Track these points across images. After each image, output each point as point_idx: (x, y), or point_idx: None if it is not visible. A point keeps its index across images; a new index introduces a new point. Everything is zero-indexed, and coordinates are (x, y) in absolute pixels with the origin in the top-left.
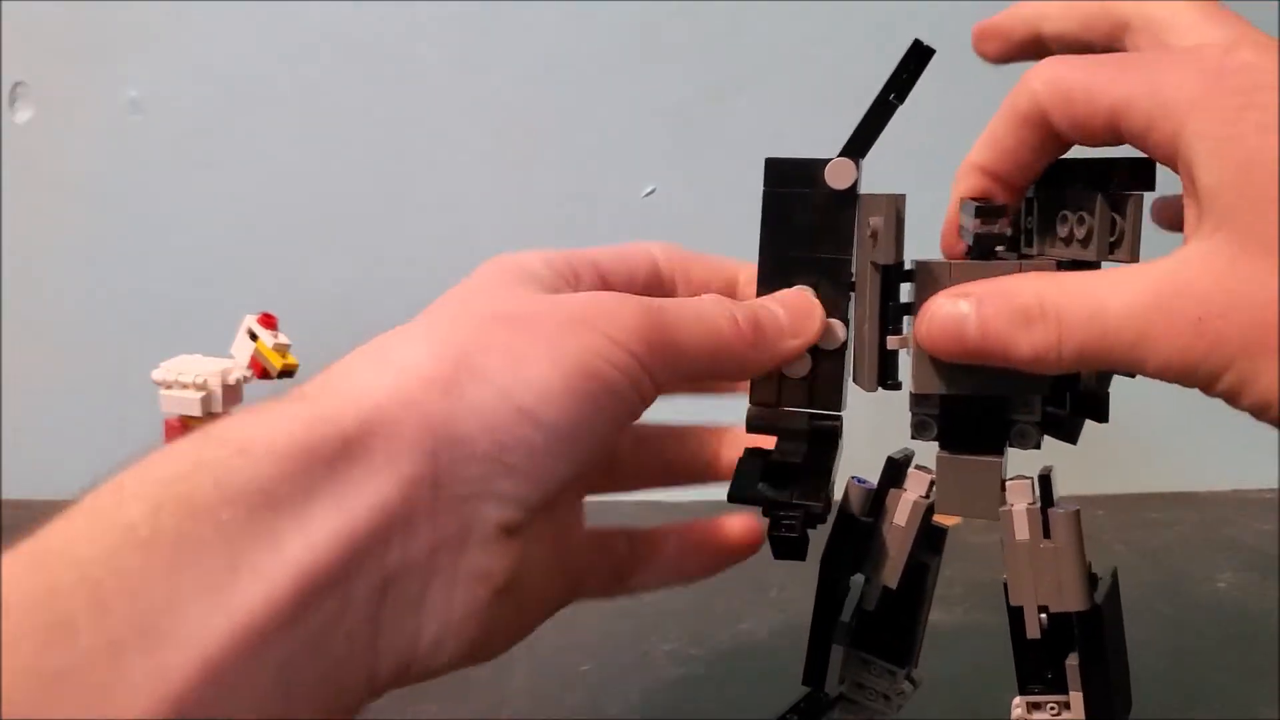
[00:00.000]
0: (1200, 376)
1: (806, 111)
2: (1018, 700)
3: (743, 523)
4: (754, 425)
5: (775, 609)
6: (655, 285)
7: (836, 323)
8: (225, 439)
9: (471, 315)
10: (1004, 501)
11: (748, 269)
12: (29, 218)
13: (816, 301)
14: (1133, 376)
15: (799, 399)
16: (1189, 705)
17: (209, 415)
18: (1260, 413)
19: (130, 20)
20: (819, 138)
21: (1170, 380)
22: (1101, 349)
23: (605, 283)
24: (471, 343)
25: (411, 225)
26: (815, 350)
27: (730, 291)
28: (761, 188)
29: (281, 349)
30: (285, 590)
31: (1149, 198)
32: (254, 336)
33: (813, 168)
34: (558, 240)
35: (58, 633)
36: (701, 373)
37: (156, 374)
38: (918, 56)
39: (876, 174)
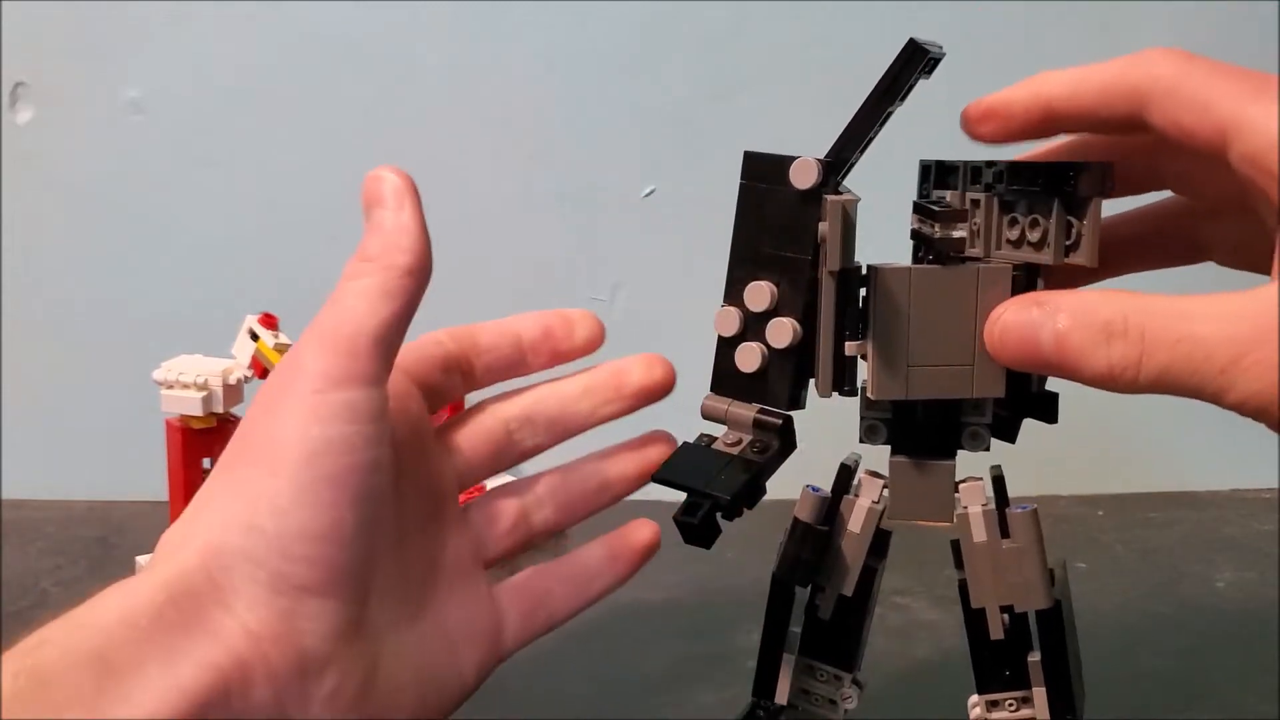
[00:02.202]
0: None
1: (807, 111)
2: (975, 699)
3: (646, 528)
4: (706, 414)
5: None
6: (452, 366)
7: (786, 320)
8: (68, 619)
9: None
10: (958, 504)
11: (528, 322)
12: (29, 218)
13: (390, 174)
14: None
15: (749, 394)
16: (1189, 705)
17: (210, 415)
18: None
19: (130, 20)
20: (819, 138)
21: (1244, 414)
22: (1185, 373)
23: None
24: (220, 493)
25: None
26: (768, 347)
27: (519, 348)
28: None
29: (282, 349)
30: None
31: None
32: (255, 336)
33: (784, 165)
34: (556, 241)
35: None
36: (399, 329)
37: (157, 374)
38: (912, 57)
39: (879, 176)
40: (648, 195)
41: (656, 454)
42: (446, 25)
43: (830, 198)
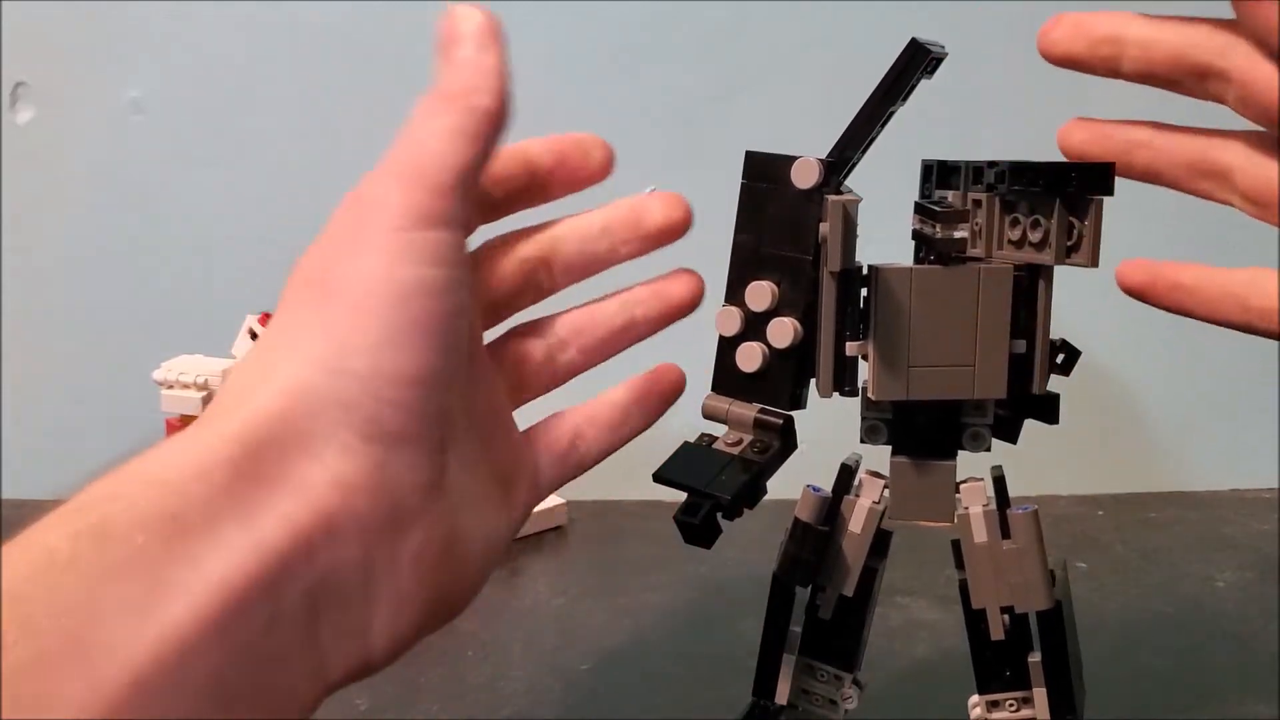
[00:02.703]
0: None
1: (807, 111)
2: (976, 699)
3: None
4: (706, 413)
5: None
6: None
7: (787, 320)
8: (134, 472)
9: (288, 297)
10: (959, 505)
11: (538, 147)
12: (29, 218)
13: (476, 13)
14: None
15: (750, 394)
16: (1189, 705)
17: None
18: None
19: (131, 20)
20: (819, 138)
21: None
22: None
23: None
24: (296, 338)
25: None
26: (769, 347)
27: (528, 164)
28: None
29: None
30: (208, 605)
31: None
32: (255, 336)
33: (785, 164)
34: None
35: None
36: (477, 169)
37: (157, 374)
38: (914, 57)
39: (881, 175)
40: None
41: (680, 289)
42: None
43: (831, 198)
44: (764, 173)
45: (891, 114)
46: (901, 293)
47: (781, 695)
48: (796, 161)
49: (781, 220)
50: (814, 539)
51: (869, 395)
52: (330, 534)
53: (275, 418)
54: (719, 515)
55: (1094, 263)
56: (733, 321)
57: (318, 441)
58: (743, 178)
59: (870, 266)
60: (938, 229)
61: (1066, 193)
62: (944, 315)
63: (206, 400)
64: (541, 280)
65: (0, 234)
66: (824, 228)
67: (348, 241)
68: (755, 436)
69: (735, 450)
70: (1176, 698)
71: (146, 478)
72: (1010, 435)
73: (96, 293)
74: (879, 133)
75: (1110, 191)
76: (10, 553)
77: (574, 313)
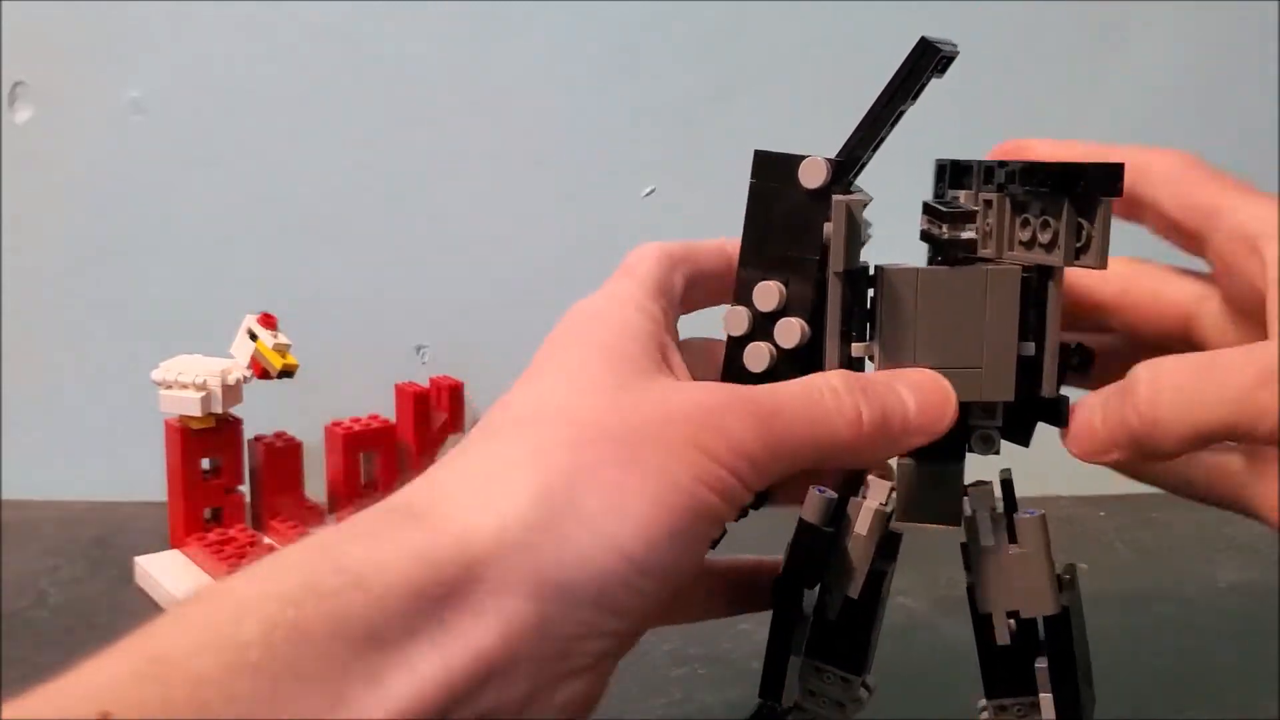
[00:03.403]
0: None
1: (807, 111)
2: (984, 704)
3: None
4: None
5: None
6: (686, 295)
7: (794, 321)
8: (340, 565)
9: (577, 441)
10: (966, 508)
11: None
12: (29, 218)
13: (950, 392)
14: None
15: None
16: (1189, 705)
17: (209, 415)
18: None
19: (130, 20)
20: (820, 138)
21: None
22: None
23: (701, 283)
24: (575, 478)
25: (412, 225)
26: (776, 347)
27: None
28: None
29: (281, 349)
30: None
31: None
32: (254, 336)
33: (793, 164)
34: (557, 241)
35: None
36: (809, 467)
37: (156, 374)
38: (923, 55)
39: (891, 174)
40: (648, 195)
41: None
42: (446, 25)
43: (836, 197)
44: (772, 172)
45: (901, 113)
46: (907, 294)
47: (788, 697)
48: (804, 161)
49: (789, 220)
50: (819, 540)
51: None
52: (509, 672)
53: (509, 544)
54: None
55: (1103, 264)
56: (740, 321)
57: (538, 585)
58: (751, 177)
59: (876, 267)
60: (944, 229)
61: (1075, 193)
62: (951, 317)
63: (205, 400)
64: None
65: (0, 234)
66: (829, 227)
67: (654, 421)
68: None
69: None
70: (1178, 698)
71: (353, 571)
72: (1023, 438)
73: (96, 293)
74: (889, 132)
75: (1119, 193)
76: (199, 642)
77: None
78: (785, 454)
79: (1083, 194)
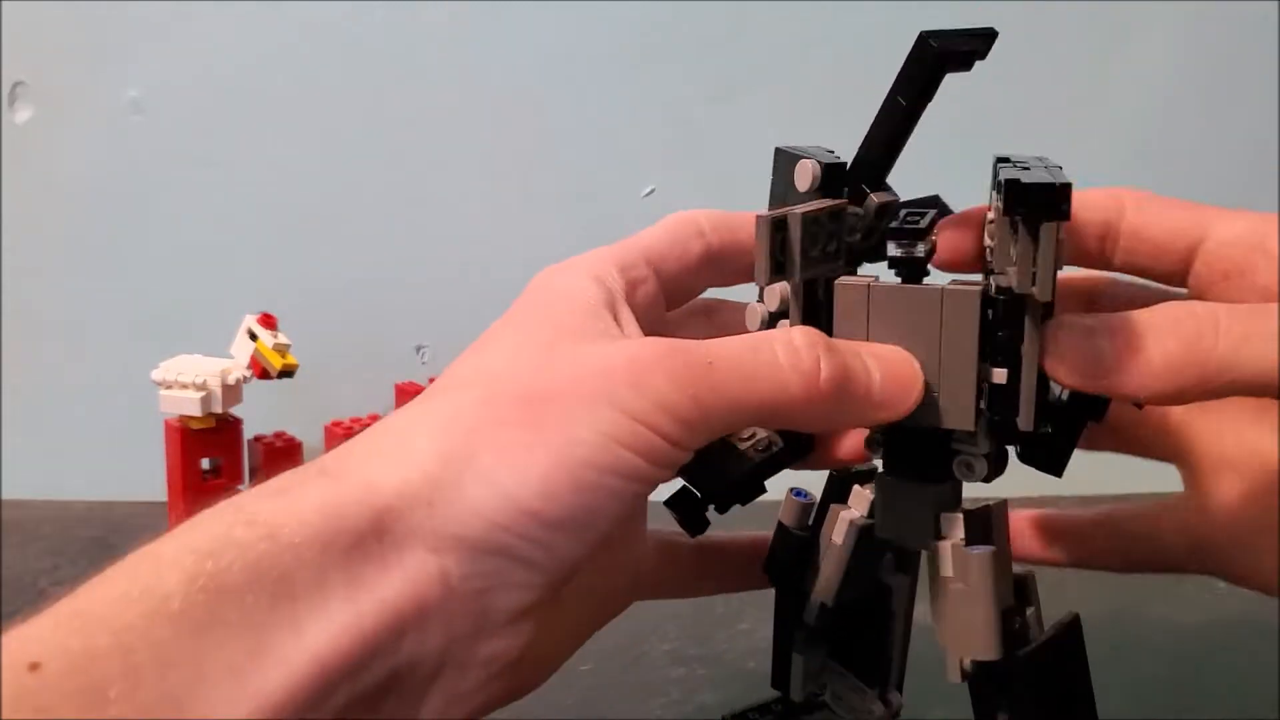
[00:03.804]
0: None
1: (807, 111)
2: None
3: None
4: None
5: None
6: (707, 266)
7: (790, 325)
8: (255, 519)
9: (486, 400)
10: (938, 534)
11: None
12: (29, 218)
13: (919, 373)
14: None
15: None
16: (1189, 707)
17: (208, 415)
18: None
19: (130, 20)
20: (820, 138)
21: None
22: None
23: (659, 278)
24: (475, 436)
25: (412, 225)
26: None
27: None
28: (761, 186)
29: (281, 349)
30: (304, 678)
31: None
32: (254, 336)
33: (793, 164)
34: (556, 241)
35: (92, 698)
36: (756, 424)
37: (156, 374)
38: (922, 52)
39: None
40: (648, 195)
41: None
42: (446, 25)
43: (760, 213)
44: (783, 171)
45: (915, 112)
46: (858, 309)
47: (796, 692)
48: (798, 163)
49: None
50: (791, 544)
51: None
52: (421, 625)
53: (413, 501)
54: (710, 506)
55: (1046, 296)
56: (755, 320)
57: (438, 539)
58: (773, 173)
59: (833, 280)
60: (899, 246)
61: (1023, 215)
62: (906, 337)
63: (205, 400)
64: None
65: (0, 234)
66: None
67: (563, 379)
68: (767, 435)
69: (744, 445)
70: (1176, 702)
71: (264, 523)
72: (1054, 467)
73: (96, 293)
74: (907, 130)
75: (1066, 216)
76: (123, 585)
77: None
78: (720, 409)
79: (1026, 217)
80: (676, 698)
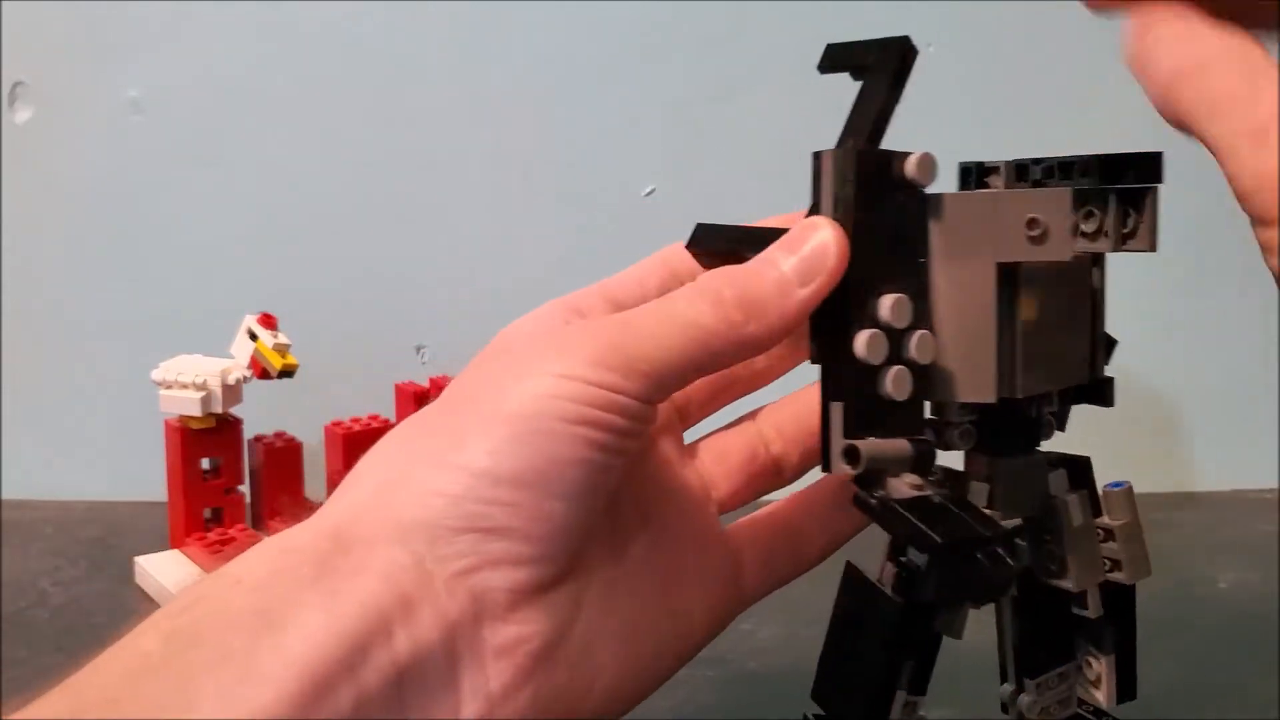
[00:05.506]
0: None
1: (807, 111)
2: (1011, 688)
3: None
4: (871, 462)
5: (776, 610)
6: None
7: (926, 334)
8: (220, 575)
9: (418, 419)
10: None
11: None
12: (29, 218)
13: (829, 226)
14: None
15: (890, 427)
16: (1190, 707)
17: (208, 415)
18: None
19: (130, 20)
20: (820, 138)
21: None
22: None
23: (615, 307)
24: (417, 436)
25: (412, 225)
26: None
27: None
28: (762, 186)
29: (281, 349)
30: (293, 688)
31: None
32: (254, 336)
33: (898, 159)
34: (557, 240)
35: None
36: (695, 374)
37: (156, 374)
38: (833, 66)
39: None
40: (648, 195)
41: None
42: (446, 25)
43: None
44: (875, 168)
45: (883, 103)
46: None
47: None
48: (908, 159)
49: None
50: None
51: (959, 400)
52: (408, 615)
53: (367, 509)
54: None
55: (1153, 247)
56: (880, 347)
57: (400, 529)
58: (814, 180)
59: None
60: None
61: (1121, 185)
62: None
63: (205, 400)
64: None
65: (0, 234)
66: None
67: (494, 372)
68: (920, 477)
69: (926, 494)
70: (1178, 700)
71: (230, 574)
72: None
73: (96, 293)
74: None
75: (1160, 179)
76: (105, 661)
77: (777, 406)
78: (641, 357)
79: (1129, 185)
80: (679, 699)
